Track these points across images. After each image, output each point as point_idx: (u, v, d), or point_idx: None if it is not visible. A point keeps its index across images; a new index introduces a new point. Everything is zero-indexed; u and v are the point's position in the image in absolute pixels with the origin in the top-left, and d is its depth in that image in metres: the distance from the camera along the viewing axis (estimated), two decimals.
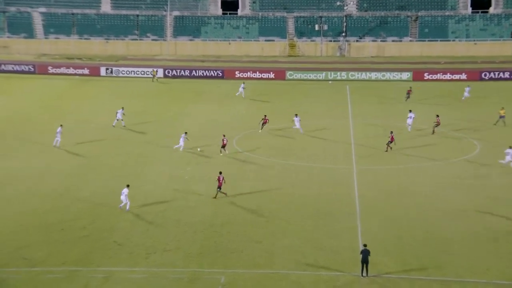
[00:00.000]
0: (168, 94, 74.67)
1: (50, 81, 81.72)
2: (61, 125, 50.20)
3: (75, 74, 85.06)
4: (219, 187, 38.21)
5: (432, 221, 35.17)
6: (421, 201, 38.38)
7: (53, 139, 49.85)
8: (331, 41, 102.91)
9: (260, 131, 52.02)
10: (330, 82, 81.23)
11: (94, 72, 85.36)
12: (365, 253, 29.06)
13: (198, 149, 48.81)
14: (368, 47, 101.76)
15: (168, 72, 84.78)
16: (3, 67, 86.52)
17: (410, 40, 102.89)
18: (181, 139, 48.36)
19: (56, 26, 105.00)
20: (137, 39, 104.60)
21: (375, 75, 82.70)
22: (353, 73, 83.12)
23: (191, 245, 32.20)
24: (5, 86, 78.10)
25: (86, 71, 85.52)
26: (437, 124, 54.06)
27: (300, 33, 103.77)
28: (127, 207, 36.34)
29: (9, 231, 33.72)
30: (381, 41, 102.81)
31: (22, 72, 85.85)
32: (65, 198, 38.69)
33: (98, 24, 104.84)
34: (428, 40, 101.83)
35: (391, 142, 48.18)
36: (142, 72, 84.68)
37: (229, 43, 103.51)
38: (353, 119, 60.48)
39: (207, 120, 59.74)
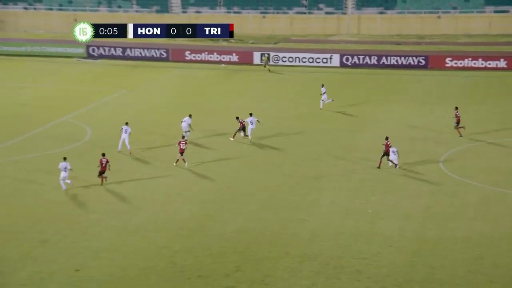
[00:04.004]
0: (347, 89, 74.72)
1: (186, 72, 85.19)
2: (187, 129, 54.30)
3: (220, 62, 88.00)
4: (102, 172, 45.58)
5: None
6: None
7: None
8: None
9: (232, 138, 55.67)
10: None
11: (245, 58, 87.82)
12: None
13: None
14: None
15: (347, 60, 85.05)
16: (128, 52, 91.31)
17: None
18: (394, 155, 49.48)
19: None
20: (305, 13, 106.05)
21: None
22: None
23: None
24: (131, 77, 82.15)
25: (234, 58, 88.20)
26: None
27: None
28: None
29: (129, 276, 35.09)
30: None
31: (152, 58, 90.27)
32: (200, 234, 39.80)
33: None
34: None
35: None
36: (311, 60, 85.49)
37: (439, 17, 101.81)
38: None
39: (400, 128, 59.04)
